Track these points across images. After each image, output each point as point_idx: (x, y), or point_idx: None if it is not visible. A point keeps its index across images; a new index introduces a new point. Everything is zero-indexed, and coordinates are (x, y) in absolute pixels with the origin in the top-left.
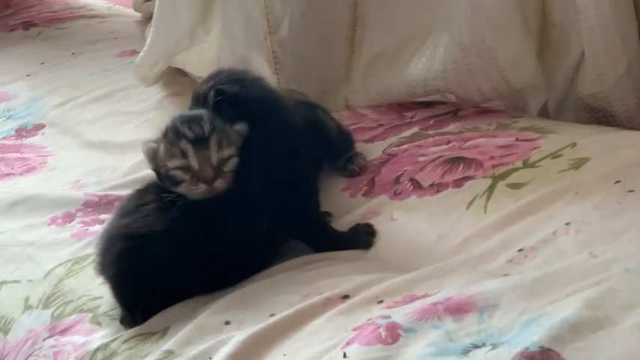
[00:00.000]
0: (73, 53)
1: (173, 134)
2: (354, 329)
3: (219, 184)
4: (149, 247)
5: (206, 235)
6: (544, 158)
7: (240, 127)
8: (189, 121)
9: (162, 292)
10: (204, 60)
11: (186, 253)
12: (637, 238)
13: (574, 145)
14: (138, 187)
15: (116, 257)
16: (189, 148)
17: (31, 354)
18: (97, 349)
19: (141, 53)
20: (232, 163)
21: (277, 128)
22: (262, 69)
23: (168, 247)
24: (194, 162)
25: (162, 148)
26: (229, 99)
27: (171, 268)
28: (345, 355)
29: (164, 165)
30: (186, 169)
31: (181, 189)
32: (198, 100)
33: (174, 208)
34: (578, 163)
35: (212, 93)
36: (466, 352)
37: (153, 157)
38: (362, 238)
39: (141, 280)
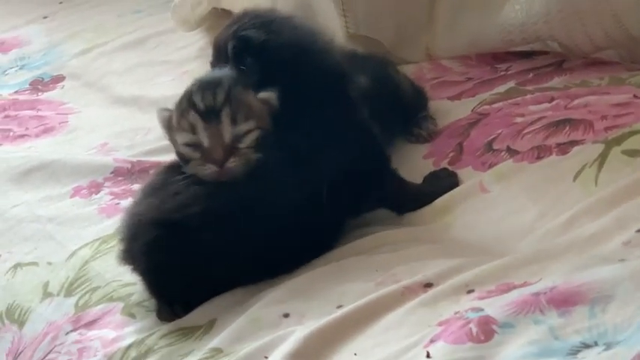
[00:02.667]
0: None
1: (185, 102)
2: (439, 324)
3: (233, 164)
4: (186, 234)
5: (253, 211)
6: None
7: (268, 95)
8: (205, 86)
9: (206, 282)
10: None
11: (231, 235)
12: None
13: None
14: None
15: (147, 247)
16: (198, 122)
17: (51, 350)
18: (130, 346)
19: None
20: (251, 138)
21: (317, 75)
22: (327, 11)
23: (208, 230)
24: (204, 138)
25: (174, 118)
26: (254, 49)
27: (215, 254)
28: (428, 355)
29: (174, 139)
30: (195, 146)
31: (190, 169)
32: (220, 53)
33: (208, 183)
34: None
35: (232, 43)
36: (574, 352)
37: (168, 127)
38: (445, 181)
39: (179, 271)
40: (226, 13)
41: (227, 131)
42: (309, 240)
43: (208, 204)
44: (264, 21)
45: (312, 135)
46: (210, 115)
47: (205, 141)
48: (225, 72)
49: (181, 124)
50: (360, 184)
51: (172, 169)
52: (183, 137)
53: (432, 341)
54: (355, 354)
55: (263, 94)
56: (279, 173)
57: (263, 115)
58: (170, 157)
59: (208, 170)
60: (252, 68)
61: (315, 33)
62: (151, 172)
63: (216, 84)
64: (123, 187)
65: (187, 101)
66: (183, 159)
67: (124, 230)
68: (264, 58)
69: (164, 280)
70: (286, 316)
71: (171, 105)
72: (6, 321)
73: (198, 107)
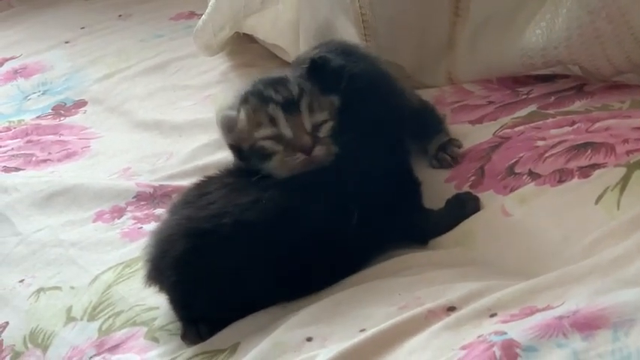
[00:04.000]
0: (119, 15)
1: (257, 99)
2: (463, 348)
3: (319, 151)
4: (217, 244)
5: (285, 228)
6: None
7: (332, 98)
8: (274, 83)
9: (233, 301)
10: (278, 25)
11: (262, 247)
12: None
13: None
14: (198, 179)
15: (177, 260)
16: (279, 114)
17: None
18: None
19: (203, 16)
20: (327, 128)
21: (382, 113)
22: (349, 35)
23: (239, 243)
24: (286, 129)
25: (243, 116)
26: (333, 70)
27: (243, 270)
28: None
29: (248, 137)
30: (278, 138)
31: (274, 163)
32: (297, 67)
33: (244, 195)
34: None
35: (310, 60)
36: None
37: (231, 129)
38: (467, 205)
39: (207, 286)
40: (248, 37)
41: (307, 120)
42: (337, 261)
43: (241, 216)
44: (346, 50)
45: (359, 164)
46: (289, 106)
47: (289, 131)
48: (285, 72)
49: (258, 119)
50: (390, 218)
51: (201, 185)
52: (263, 131)
53: None
54: None
55: (329, 97)
56: (318, 192)
57: (331, 111)
58: (191, 180)
59: (297, 159)
60: (327, 86)
61: (388, 73)
62: (174, 196)
63: (285, 80)
64: (145, 212)
65: (259, 97)
66: (263, 155)
67: (151, 250)
68: (340, 80)
69: (192, 294)
70: (309, 340)
71: (195, 127)
72: (30, 345)
73: (276, 99)
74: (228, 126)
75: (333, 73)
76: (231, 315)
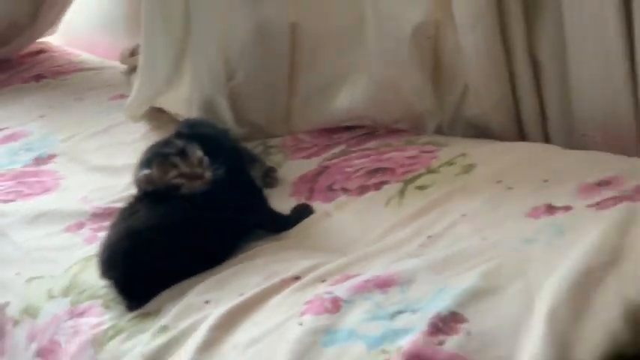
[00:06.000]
0: (75, 98)
1: (160, 157)
2: (306, 303)
3: (207, 175)
4: (147, 242)
5: (190, 227)
6: (442, 165)
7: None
8: (165, 144)
9: (160, 278)
10: (178, 100)
11: (177, 243)
12: (516, 223)
13: (464, 154)
14: (126, 203)
15: (122, 254)
16: (177, 160)
17: (55, 333)
18: (108, 328)
19: (129, 97)
20: (206, 161)
21: (232, 155)
22: (223, 106)
23: (162, 240)
24: (185, 168)
25: (154, 171)
26: (203, 136)
27: (166, 257)
28: (300, 323)
29: (163, 181)
30: (182, 175)
31: (183, 190)
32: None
33: (159, 209)
34: (468, 168)
35: (178, 129)
36: (393, 317)
37: (150, 181)
38: (305, 211)
39: (143, 268)
40: (159, 109)
41: (194, 158)
42: (222, 247)
43: (162, 221)
44: (204, 122)
45: (227, 185)
46: (182, 153)
47: (186, 169)
48: (168, 136)
49: (165, 168)
50: (249, 217)
51: (130, 206)
52: (171, 174)
53: (302, 314)
54: (255, 323)
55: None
56: (206, 206)
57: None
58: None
59: (197, 184)
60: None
61: (227, 133)
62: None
63: (170, 140)
64: (98, 224)
65: (159, 155)
66: (175, 187)
67: (101, 250)
68: (206, 143)
69: (132, 276)
70: (207, 302)
71: (128, 169)
72: (25, 316)
73: (173, 152)
74: (147, 181)
75: (195, 135)
76: (158, 287)
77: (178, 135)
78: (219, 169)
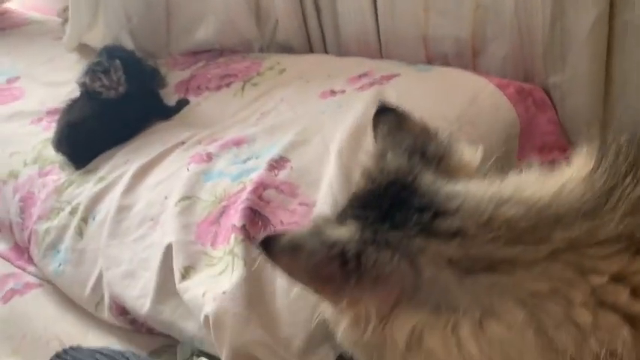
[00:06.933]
0: (29, 40)
1: (90, 72)
2: (190, 157)
3: (122, 88)
4: (82, 126)
5: (111, 117)
6: (266, 70)
7: (117, 65)
8: (97, 64)
9: (94, 150)
10: (97, 37)
11: (106, 122)
12: (313, 102)
13: (279, 63)
14: (67, 102)
15: (66, 133)
16: (102, 76)
17: (31, 187)
18: (65, 181)
19: (65, 37)
20: (121, 77)
21: (140, 69)
22: (126, 40)
23: (93, 124)
24: (106, 81)
25: (87, 80)
26: (121, 57)
27: (96, 133)
28: (188, 169)
29: (92, 88)
30: (102, 86)
31: (103, 96)
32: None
33: (90, 105)
34: (282, 71)
35: (102, 49)
36: (245, 161)
37: (84, 86)
38: (184, 102)
39: (81, 144)
40: (85, 44)
41: (114, 76)
42: (134, 129)
43: (92, 111)
44: (119, 47)
45: (137, 89)
46: (106, 71)
47: (107, 82)
48: (100, 59)
49: (93, 79)
50: (151, 109)
51: (70, 104)
52: (96, 85)
53: (188, 164)
54: (164, 170)
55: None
56: (124, 103)
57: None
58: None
59: (113, 94)
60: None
61: (136, 55)
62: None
63: (100, 62)
64: (52, 118)
65: (90, 71)
66: (98, 93)
67: (54, 134)
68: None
69: (74, 151)
70: (127, 161)
71: (70, 83)
72: (10, 178)
73: (99, 70)
74: (82, 85)
75: (116, 57)
76: (94, 154)
77: (104, 56)
78: (131, 80)
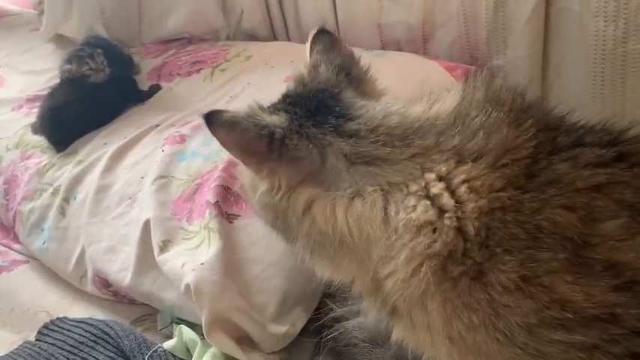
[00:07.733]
0: (7, 32)
1: (77, 57)
2: (164, 139)
3: (107, 71)
4: (63, 111)
5: (92, 101)
6: (233, 57)
7: (99, 51)
8: (79, 51)
9: (74, 133)
10: (72, 28)
11: (88, 108)
12: (279, 86)
13: (245, 49)
14: (49, 89)
15: (48, 117)
16: (88, 60)
17: (14, 170)
18: (46, 164)
19: (41, 28)
20: (105, 61)
21: (119, 58)
22: (100, 30)
23: (74, 109)
24: (93, 65)
25: (74, 66)
26: (102, 46)
27: (78, 118)
28: (163, 150)
29: (79, 72)
30: (91, 69)
31: (91, 79)
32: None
33: (73, 91)
34: (248, 57)
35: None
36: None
37: (70, 72)
38: (157, 88)
39: (63, 127)
40: (61, 35)
41: (99, 60)
42: (112, 112)
43: (73, 96)
44: (99, 37)
45: (116, 76)
46: (91, 56)
47: (94, 65)
48: (82, 47)
49: (81, 64)
50: (127, 94)
51: (52, 91)
52: (83, 68)
53: (163, 145)
54: (135, 154)
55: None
56: (105, 88)
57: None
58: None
59: (100, 77)
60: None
61: (116, 45)
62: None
63: (83, 48)
64: (31, 105)
65: (77, 57)
66: (86, 77)
67: (36, 119)
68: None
69: (55, 135)
70: (105, 143)
71: (51, 70)
72: None
73: (86, 55)
74: (68, 71)
75: (96, 45)
76: (74, 137)
77: (86, 45)
78: (112, 66)
